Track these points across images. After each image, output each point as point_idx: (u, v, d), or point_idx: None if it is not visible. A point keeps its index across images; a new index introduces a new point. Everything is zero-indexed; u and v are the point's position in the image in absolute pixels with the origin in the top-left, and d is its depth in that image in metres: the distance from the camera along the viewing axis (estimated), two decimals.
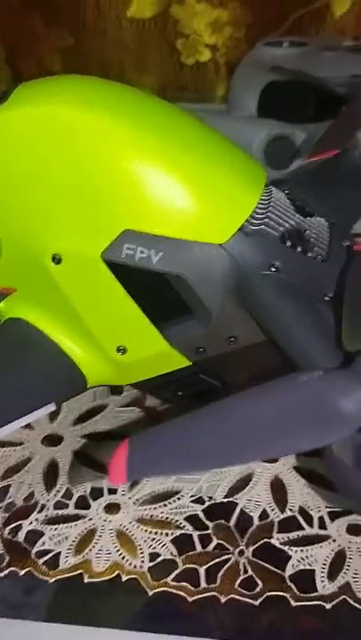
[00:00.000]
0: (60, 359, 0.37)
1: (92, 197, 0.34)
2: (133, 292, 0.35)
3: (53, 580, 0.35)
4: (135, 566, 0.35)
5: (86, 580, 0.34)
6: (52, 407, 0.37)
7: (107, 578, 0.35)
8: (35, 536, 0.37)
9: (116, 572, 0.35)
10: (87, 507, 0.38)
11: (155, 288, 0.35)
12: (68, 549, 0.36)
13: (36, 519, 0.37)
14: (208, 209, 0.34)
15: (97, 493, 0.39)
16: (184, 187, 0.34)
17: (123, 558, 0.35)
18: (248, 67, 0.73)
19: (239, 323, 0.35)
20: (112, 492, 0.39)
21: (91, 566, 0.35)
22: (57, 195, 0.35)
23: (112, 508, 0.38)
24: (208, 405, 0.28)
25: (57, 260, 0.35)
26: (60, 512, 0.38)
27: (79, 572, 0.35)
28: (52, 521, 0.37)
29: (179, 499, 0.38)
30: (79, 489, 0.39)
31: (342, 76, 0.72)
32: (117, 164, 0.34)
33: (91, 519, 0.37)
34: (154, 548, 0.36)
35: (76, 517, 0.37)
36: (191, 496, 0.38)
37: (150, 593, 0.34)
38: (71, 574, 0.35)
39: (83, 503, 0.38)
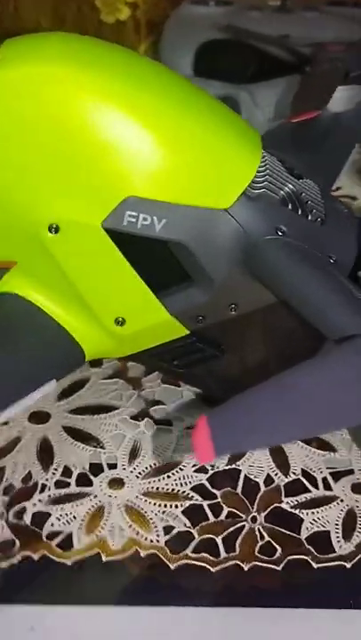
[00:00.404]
0: (57, 333, 0.36)
1: (92, 163, 0.33)
2: (133, 260, 0.34)
3: (71, 561, 0.34)
4: (152, 541, 0.34)
5: (105, 559, 0.34)
6: (53, 384, 0.35)
7: (126, 555, 0.34)
8: (41, 517, 0.35)
9: (134, 549, 0.34)
10: (89, 484, 0.37)
11: (155, 255, 0.34)
12: (79, 529, 0.35)
13: (40, 500, 0.36)
14: (212, 173, 0.34)
15: (96, 469, 0.38)
16: (188, 151, 0.33)
17: (137, 534, 0.35)
18: (178, 26, 0.72)
19: (242, 290, 0.35)
20: (112, 467, 0.38)
21: (107, 544, 0.34)
22: (54, 160, 0.33)
23: (116, 484, 0.37)
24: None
25: (54, 229, 0.34)
26: (63, 491, 0.37)
27: (95, 551, 0.34)
28: (57, 501, 0.36)
29: (181, 469, 0.38)
30: (77, 466, 0.38)
31: (271, 36, 0.72)
32: (118, 127, 0.33)
33: (96, 496, 0.36)
34: (166, 521, 0.35)
35: (81, 495, 0.36)
36: (193, 465, 0.38)
37: (172, 567, 0.33)
38: (88, 554, 0.34)
39: (84, 480, 0.37)
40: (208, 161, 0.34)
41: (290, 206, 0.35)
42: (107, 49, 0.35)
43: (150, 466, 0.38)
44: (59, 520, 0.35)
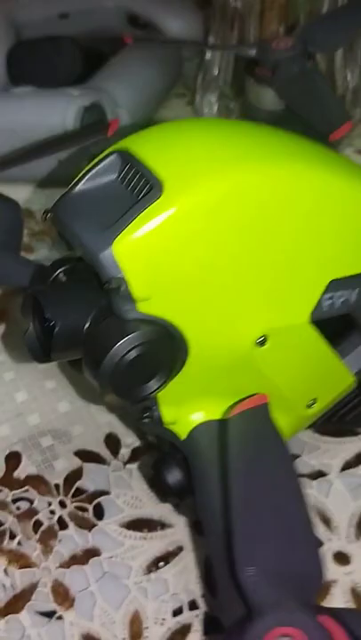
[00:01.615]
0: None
1: (297, 262, 0.31)
2: (327, 337, 0.33)
3: None
4: None
5: None
6: None
7: None
8: None
9: None
10: None
11: (340, 326, 0.34)
12: None
13: None
14: None
15: None
16: None
17: None
18: None
19: None
20: None
21: None
22: (259, 272, 0.30)
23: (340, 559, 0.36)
24: None
25: (262, 342, 0.31)
26: None
27: None
28: None
29: None
30: None
31: (49, 16, 0.67)
32: (320, 218, 0.31)
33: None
34: None
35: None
36: None
37: None
38: None
39: None
40: None
41: None
42: (247, 131, 0.32)
43: None
44: None
